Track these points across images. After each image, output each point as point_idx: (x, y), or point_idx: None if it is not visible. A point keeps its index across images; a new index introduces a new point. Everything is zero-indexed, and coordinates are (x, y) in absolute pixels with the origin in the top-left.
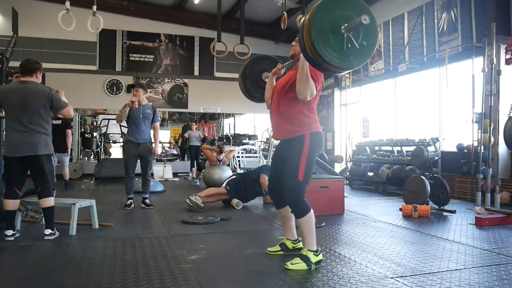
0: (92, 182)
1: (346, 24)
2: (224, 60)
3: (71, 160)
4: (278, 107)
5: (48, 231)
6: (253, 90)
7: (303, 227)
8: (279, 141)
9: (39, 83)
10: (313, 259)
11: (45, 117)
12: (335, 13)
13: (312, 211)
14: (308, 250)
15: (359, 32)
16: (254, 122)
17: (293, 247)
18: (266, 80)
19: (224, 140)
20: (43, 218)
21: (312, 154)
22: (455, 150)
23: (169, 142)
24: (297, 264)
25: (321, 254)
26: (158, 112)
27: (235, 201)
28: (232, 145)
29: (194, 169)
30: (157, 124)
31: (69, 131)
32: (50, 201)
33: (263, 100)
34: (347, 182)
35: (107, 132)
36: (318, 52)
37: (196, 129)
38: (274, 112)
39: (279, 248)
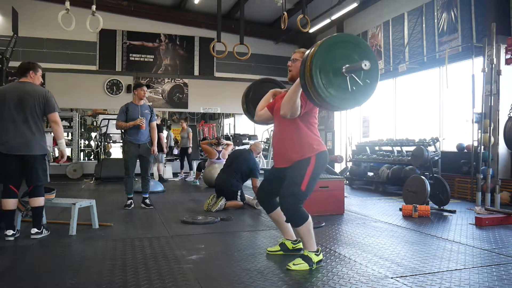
0: (92, 182)
1: (347, 65)
2: (224, 60)
3: (70, 160)
4: (279, 131)
5: (34, 230)
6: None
7: (303, 234)
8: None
9: (36, 84)
10: (315, 258)
11: (40, 117)
12: (334, 57)
13: (310, 217)
14: (309, 251)
15: (360, 73)
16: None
17: (293, 247)
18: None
19: (224, 138)
20: (32, 217)
21: (317, 172)
22: (455, 150)
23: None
24: (299, 265)
25: (321, 253)
26: (155, 111)
27: (255, 201)
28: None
29: (193, 170)
30: (154, 123)
31: (161, 134)
32: (40, 201)
33: (264, 124)
34: (347, 182)
35: (107, 132)
36: (325, 99)
37: (187, 126)
38: (276, 137)
39: (279, 248)
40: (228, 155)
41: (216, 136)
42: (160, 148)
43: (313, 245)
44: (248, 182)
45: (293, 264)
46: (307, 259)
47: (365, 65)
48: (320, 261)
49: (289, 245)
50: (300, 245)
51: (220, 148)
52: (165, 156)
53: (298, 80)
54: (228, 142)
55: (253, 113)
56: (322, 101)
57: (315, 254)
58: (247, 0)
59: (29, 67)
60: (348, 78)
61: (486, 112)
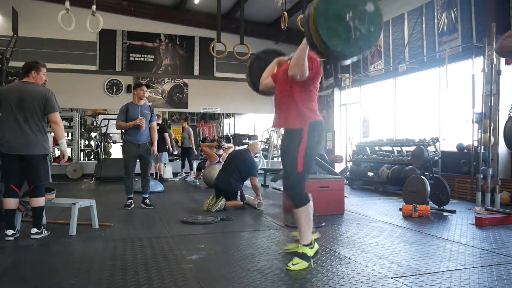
0: (92, 182)
1: (351, 12)
2: (224, 60)
3: (70, 160)
4: (280, 95)
5: (34, 230)
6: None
7: (300, 217)
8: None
9: (39, 84)
10: (310, 252)
11: (41, 117)
12: (338, 3)
13: (311, 202)
14: (303, 245)
15: (364, 19)
16: (254, 122)
17: (313, 253)
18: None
19: (224, 140)
20: (32, 217)
21: (311, 145)
22: (455, 150)
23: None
24: (297, 264)
25: (316, 244)
26: (155, 111)
27: (256, 201)
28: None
29: (193, 171)
30: (154, 123)
31: (166, 134)
32: (40, 201)
33: (268, 94)
34: (347, 182)
35: (107, 132)
36: (329, 47)
37: (187, 125)
38: (277, 100)
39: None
40: (227, 157)
41: (216, 139)
42: (165, 148)
43: (307, 236)
44: (248, 182)
45: (292, 264)
46: (303, 256)
47: (369, 7)
48: (316, 253)
49: (307, 250)
50: (316, 236)
51: (220, 152)
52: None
53: (304, 39)
54: (229, 145)
55: (258, 85)
56: (326, 50)
57: (309, 248)
58: (247, 0)
59: (31, 67)
60: (352, 25)
61: (486, 112)
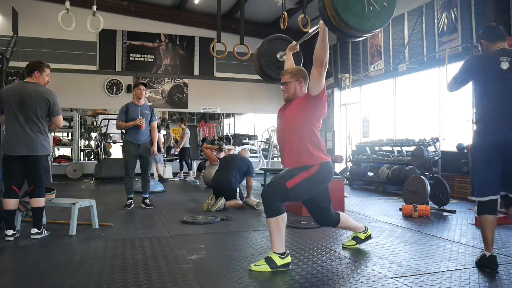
0: (92, 182)
1: None
2: (224, 60)
3: (70, 160)
4: (287, 138)
5: (34, 230)
6: (268, 69)
7: (270, 227)
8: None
9: (41, 84)
10: (279, 261)
11: (42, 118)
12: None
13: (284, 215)
14: (273, 252)
15: None
16: (254, 122)
17: (364, 236)
18: (281, 59)
19: (224, 140)
20: (32, 217)
21: (315, 180)
22: (455, 150)
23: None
24: (260, 266)
25: (289, 257)
26: (156, 111)
27: (255, 201)
28: (232, 145)
29: (192, 171)
30: (155, 123)
31: (159, 134)
32: (40, 202)
33: (278, 80)
34: (347, 182)
35: (107, 132)
36: (342, 19)
37: (185, 126)
38: (282, 141)
39: (354, 242)
40: (223, 158)
41: (217, 143)
42: (158, 148)
43: (279, 246)
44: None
45: (255, 265)
46: (269, 260)
47: None
48: (287, 264)
49: (361, 236)
50: (369, 232)
51: (221, 155)
52: (163, 156)
53: (321, 23)
54: (230, 147)
55: (267, 71)
56: (347, 28)
57: (279, 256)
58: (247, 0)
59: (35, 67)
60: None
61: None
